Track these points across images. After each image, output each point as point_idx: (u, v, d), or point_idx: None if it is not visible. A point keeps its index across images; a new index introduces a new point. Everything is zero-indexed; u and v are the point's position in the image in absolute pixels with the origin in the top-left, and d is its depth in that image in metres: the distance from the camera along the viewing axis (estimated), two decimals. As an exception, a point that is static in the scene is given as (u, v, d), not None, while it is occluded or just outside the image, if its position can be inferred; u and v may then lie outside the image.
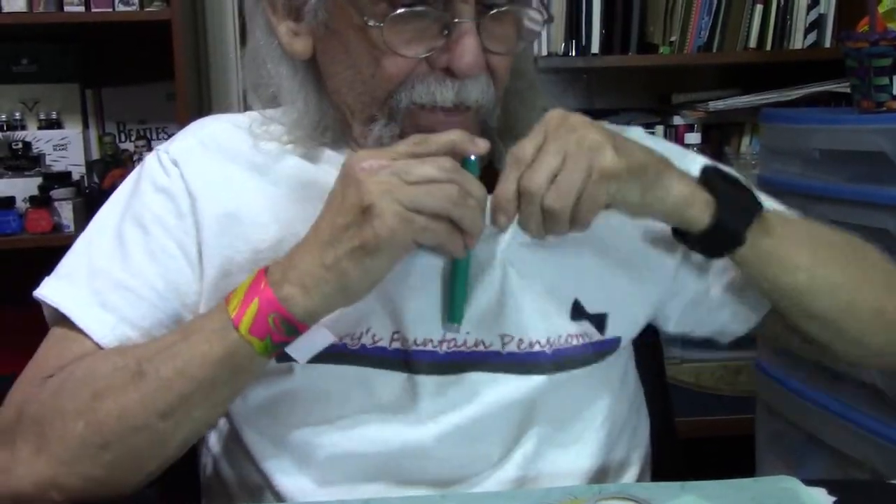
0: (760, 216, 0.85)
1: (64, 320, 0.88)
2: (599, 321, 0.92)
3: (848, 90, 1.72)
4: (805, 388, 1.56)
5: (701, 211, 0.83)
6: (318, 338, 0.82)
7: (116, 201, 0.94)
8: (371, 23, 0.82)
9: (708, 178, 0.85)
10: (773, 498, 0.79)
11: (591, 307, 0.92)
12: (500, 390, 0.89)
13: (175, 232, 0.89)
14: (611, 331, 0.93)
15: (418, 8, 0.82)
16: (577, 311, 0.91)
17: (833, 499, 0.80)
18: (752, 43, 2.10)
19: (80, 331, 0.87)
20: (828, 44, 2.10)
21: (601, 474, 0.95)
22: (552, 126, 0.79)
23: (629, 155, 0.79)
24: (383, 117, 0.86)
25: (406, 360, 0.88)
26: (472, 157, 0.80)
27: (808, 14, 2.10)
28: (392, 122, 0.86)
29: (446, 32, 0.82)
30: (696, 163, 0.94)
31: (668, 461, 1.10)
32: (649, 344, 1.13)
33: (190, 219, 0.89)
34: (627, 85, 2.31)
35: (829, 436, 1.50)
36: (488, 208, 0.79)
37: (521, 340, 0.90)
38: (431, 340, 0.88)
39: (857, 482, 1.28)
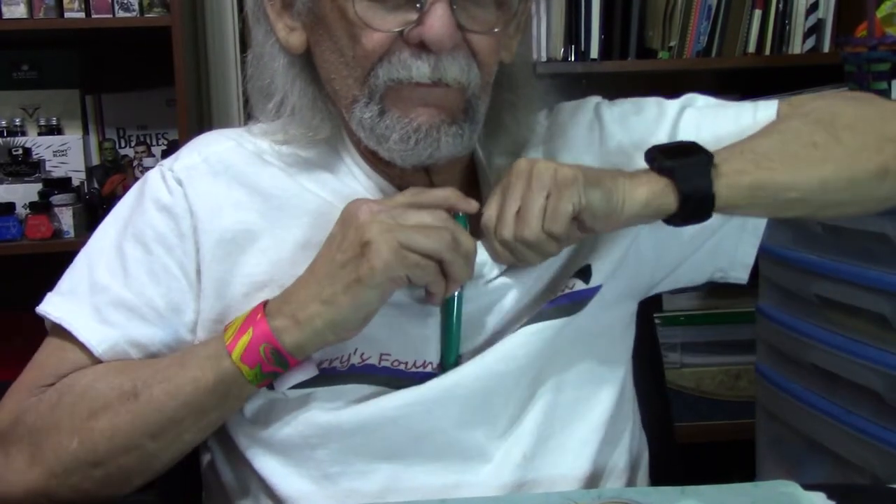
0: (717, 168, 0.86)
1: (63, 330, 0.89)
2: (584, 272, 0.94)
3: (847, 95, 1.72)
4: (805, 393, 1.56)
5: (665, 196, 0.85)
6: (302, 371, 0.85)
7: (118, 216, 0.94)
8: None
9: (654, 161, 0.88)
10: (773, 502, 0.79)
11: (572, 268, 0.94)
12: (490, 358, 0.90)
13: (176, 252, 0.90)
14: (595, 278, 0.94)
15: None
16: (557, 282, 0.94)
17: (832, 503, 0.80)
18: (751, 48, 2.10)
19: (79, 343, 0.88)
20: (826, 49, 2.10)
21: (599, 478, 0.95)
22: (505, 181, 0.85)
23: (583, 169, 0.85)
24: (364, 96, 0.87)
25: (395, 376, 0.89)
26: (461, 214, 0.86)
27: (806, 19, 2.10)
28: (372, 102, 0.86)
29: (419, 5, 0.83)
30: (651, 109, 1.00)
31: (667, 466, 1.10)
32: (649, 349, 1.13)
33: (191, 239, 0.90)
34: (626, 90, 2.28)
35: (828, 440, 1.51)
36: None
37: (501, 317, 0.92)
38: (426, 363, 0.90)
39: (856, 486, 1.28)
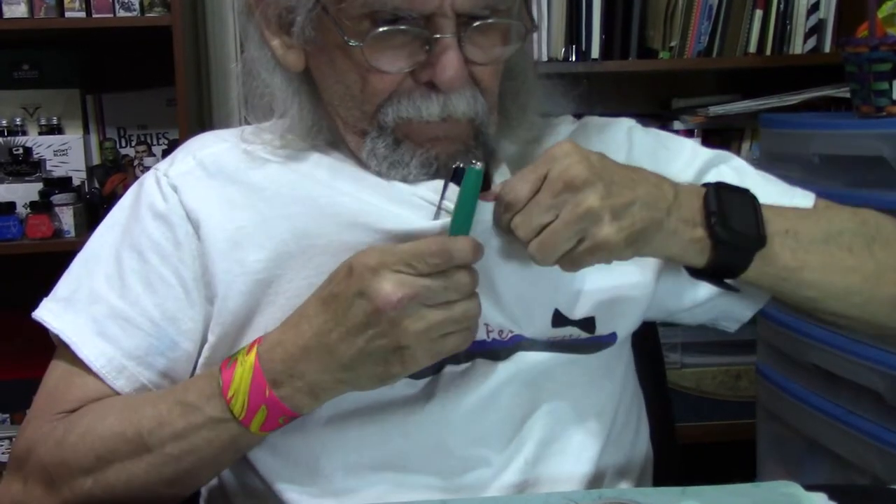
0: (762, 252, 0.84)
1: (64, 343, 0.90)
2: (587, 324, 0.92)
3: (848, 95, 1.72)
4: (806, 393, 1.56)
5: (698, 254, 0.83)
6: None
7: (115, 222, 0.94)
8: (352, 42, 0.83)
9: (708, 207, 0.83)
10: (774, 503, 0.79)
11: (576, 314, 0.92)
12: (499, 373, 0.90)
13: (172, 260, 0.89)
14: (601, 329, 0.93)
15: (399, 26, 0.82)
16: (559, 319, 0.92)
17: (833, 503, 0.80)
18: (752, 48, 2.10)
19: (81, 361, 0.89)
20: (827, 49, 2.10)
21: (601, 479, 0.95)
22: (553, 173, 0.79)
23: (629, 225, 0.79)
24: (374, 130, 0.87)
25: None
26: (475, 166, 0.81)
27: (807, 19, 2.10)
28: (384, 135, 0.87)
29: (428, 48, 0.83)
30: (685, 149, 0.97)
31: (668, 466, 1.10)
32: (649, 349, 1.13)
33: (187, 247, 0.89)
34: (627, 90, 2.31)
35: (829, 441, 1.50)
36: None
37: (500, 330, 0.90)
38: None
39: (857, 487, 1.28)
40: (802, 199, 0.97)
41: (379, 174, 0.89)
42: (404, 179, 0.88)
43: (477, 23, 0.84)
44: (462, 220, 0.80)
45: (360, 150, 0.89)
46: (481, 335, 0.89)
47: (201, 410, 0.83)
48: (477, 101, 0.86)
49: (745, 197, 0.86)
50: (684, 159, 0.98)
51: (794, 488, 0.81)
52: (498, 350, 0.90)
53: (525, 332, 0.90)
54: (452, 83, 0.83)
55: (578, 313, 0.92)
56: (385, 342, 0.78)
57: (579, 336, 0.92)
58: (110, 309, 0.89)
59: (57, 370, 0.92)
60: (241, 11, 0.93)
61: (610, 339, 0.94)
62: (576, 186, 0.77)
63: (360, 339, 0.78)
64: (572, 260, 0.79)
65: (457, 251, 0.77)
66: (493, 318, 0.89)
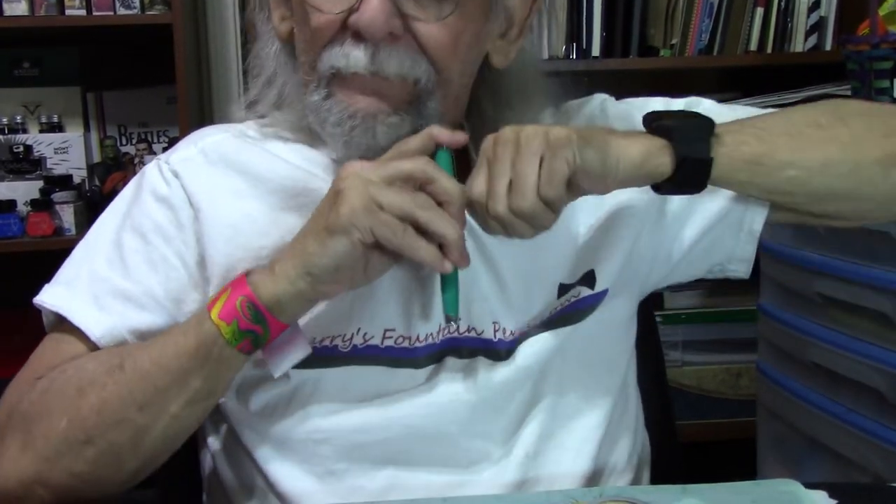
0: (717, 133, 0.82)
1: (61, 324, 0.89)
2: (588, 279, 0.93)
3: (849, 93, 1.72)
4: (806, 391, 1.56)
5: (660, 157, 0.80)
6: (295, 349, 0.83)
7: (116, 209, 0.94)
8: None
9: (652, 122, 0.83)
10: (774, 501, 0.79)
11: (577, 274, 0.93)
12: (501, 370, 0.90)
13: (175, 242, 0.89)
14: (600, 283, 0.93)
15: None
16: (563, 288, 0.93)
17: (834, 502, 0.80)
18: (753, 46, 2.10)
19: (76, 331, 0.88)
20: (828, 47, 2.10)
21: (600, 475, 0.95)
22: (489, 150, 0.78)
23: (575, 129, 0.79)
24: (314, 81, 0.86)
25: (399, 356, 0.89)
26: (444, 149, 0.80)
27: (808, 17, 2.09)
28: (319, 87, 0.86)
29: None
30: (657, 103, 0.97)
31: (669, 464, 1.10)
32: (650, 347, 1.13)
33: (190, 230, 0.89)
34: (628, 88, 2.28)
35: (830, 439, 1.50)
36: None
37: (505, 330, 0.91)
38: (429, 335, 0.89)
39: (858, 485, 1.28)
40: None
41: (321, 134, 0.88)
42: (332, 137, 0.86)
43: None
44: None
45: (307, 108, 0.88)
46: (489, 335, 0.90)
47: (179, 325, 0.83)
48: (417, 64, 0.84)
49: (686, 111, 0.87)
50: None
51: (795, 486, 0.81)
52: (501, 350, 0.91)
53: (533, 317, 0.91)
54: (373, 29, 0.81)
55: (579, 272, 0.93)
56: (329, 193, 0.78)
57: (579, 295, 0.92)
58: (111, 287, 0.89)
59: (48, 342, 0.90)
60: None
61: (600, 297, 0.94)
62: (515, 136, 0.78)
63: (316, 213, 0.80)
64: (549, 179, 0.76)
65: (418, 136, 0.80)
66: (503, 316, 0.90)
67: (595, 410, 0.95)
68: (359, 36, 0.82)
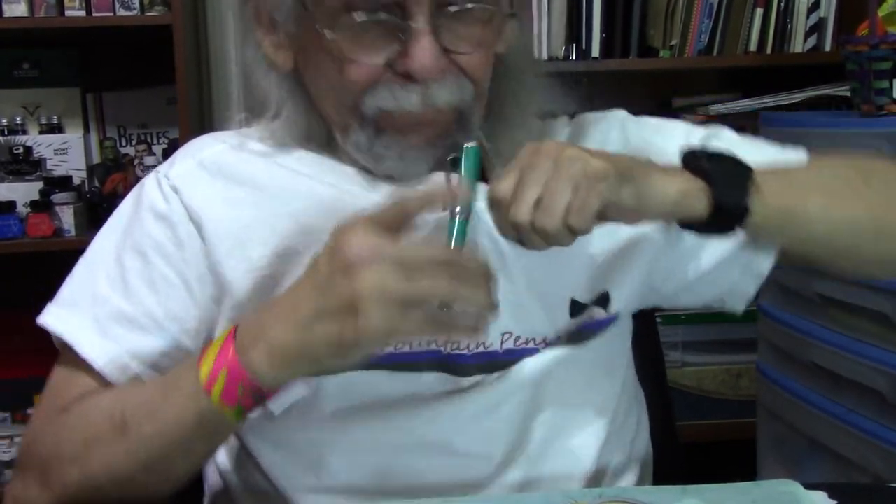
0: (755, 182, 0.81)
1: (67, 348, 0.90)
2: (602, 300, 0.93)
3: (848, 94, 1.72)
4: (806, 392, 1.56)
5: (697, 199, 0.79)
6: (293, 391, 0.82)
7: (117, 225, 0.94)
8: (328, 34, 0.83)
9: (691, 162, 0.82)
10: (774, 501, 0.79)
11: (591, 294, 0.93)
12: (505, 380, 0.90)
13: (174, 260, 0.89)
14: (614, 306, 0.93)
15: (374, 16, 0.82)
16: (576, 308, 0.92)
17: (834, 502, 0.80)
18: (753, 46, 2.10)
19: (82, 361, 0.88)
20: (828, 47, 2.10)
21: (602, 477, 0.95)
22: (526, 159, 0.76)
23: (614, 160, 0.77)
24: (356, 123, 0.87)
25: (400, 361, 0.88)
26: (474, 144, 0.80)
27: (808, 18, 2.10)
28: (365, 126, 0.86)
29: (402, 37, 0.82)
30: (678, 130, 0.96)
31: (669, 465, 1.10)
32: (650, 348, 1.13)
33: (190, 246, 0.89)
34: (628, 89, 2.31)
35: (830, 439, 1.51)
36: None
37: (512, 340, 0.90)
38: (432, 340, 0.89)
39: (857, 486, 1.28)
40: (794, 155, 0.97)
41: (368, 170, 0.89)
42: (388, 172, 0.88)
43: (453, 8, 0.83)
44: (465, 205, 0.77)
45: (346, 144, 0.89)
46: (495, 346, 0.90)
47: (176, 384, 0.81)
48: (463, 88, 0.85)
49: (725, 154, 0.84)
50: (679, 141, 0.97)
51: (795, 487, 0.81)
52: (505, 360, 0.91)
53: (547, 332, 0.91)
54: (426, 72, 0.82)
55: (593, 292, 0.92)
56: (340, 292, 0.72)
57: (593, 318, 0.92)
58: (113, 309, 0.89)
59: (59, 372, 0.91)
60: (236, 13, 0.93)
61: (611, 320, 0.94)
62: (556, 153, 0.75)
63: (319, 293, 0.74)
64: (580, 210, 0.74)
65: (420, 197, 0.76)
66: (512, 326, 0.90)
67: (597, 416, 0.95)
68: (409, 77, 0.83)
